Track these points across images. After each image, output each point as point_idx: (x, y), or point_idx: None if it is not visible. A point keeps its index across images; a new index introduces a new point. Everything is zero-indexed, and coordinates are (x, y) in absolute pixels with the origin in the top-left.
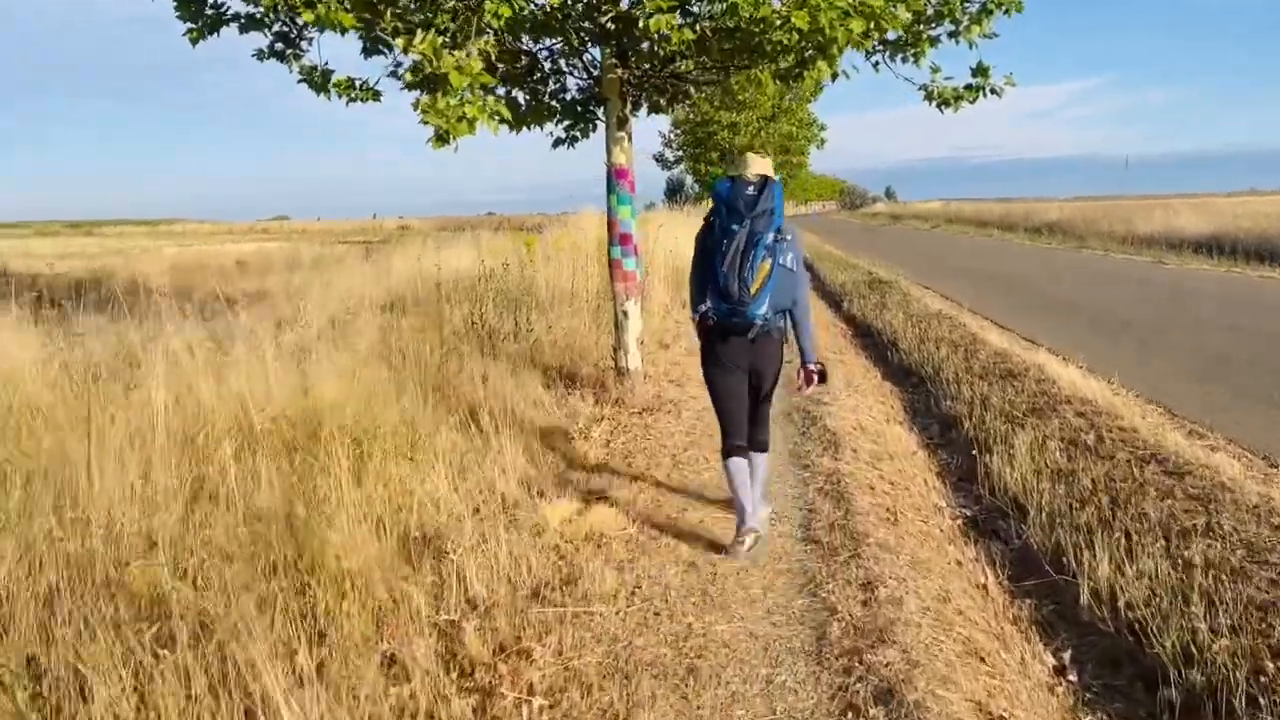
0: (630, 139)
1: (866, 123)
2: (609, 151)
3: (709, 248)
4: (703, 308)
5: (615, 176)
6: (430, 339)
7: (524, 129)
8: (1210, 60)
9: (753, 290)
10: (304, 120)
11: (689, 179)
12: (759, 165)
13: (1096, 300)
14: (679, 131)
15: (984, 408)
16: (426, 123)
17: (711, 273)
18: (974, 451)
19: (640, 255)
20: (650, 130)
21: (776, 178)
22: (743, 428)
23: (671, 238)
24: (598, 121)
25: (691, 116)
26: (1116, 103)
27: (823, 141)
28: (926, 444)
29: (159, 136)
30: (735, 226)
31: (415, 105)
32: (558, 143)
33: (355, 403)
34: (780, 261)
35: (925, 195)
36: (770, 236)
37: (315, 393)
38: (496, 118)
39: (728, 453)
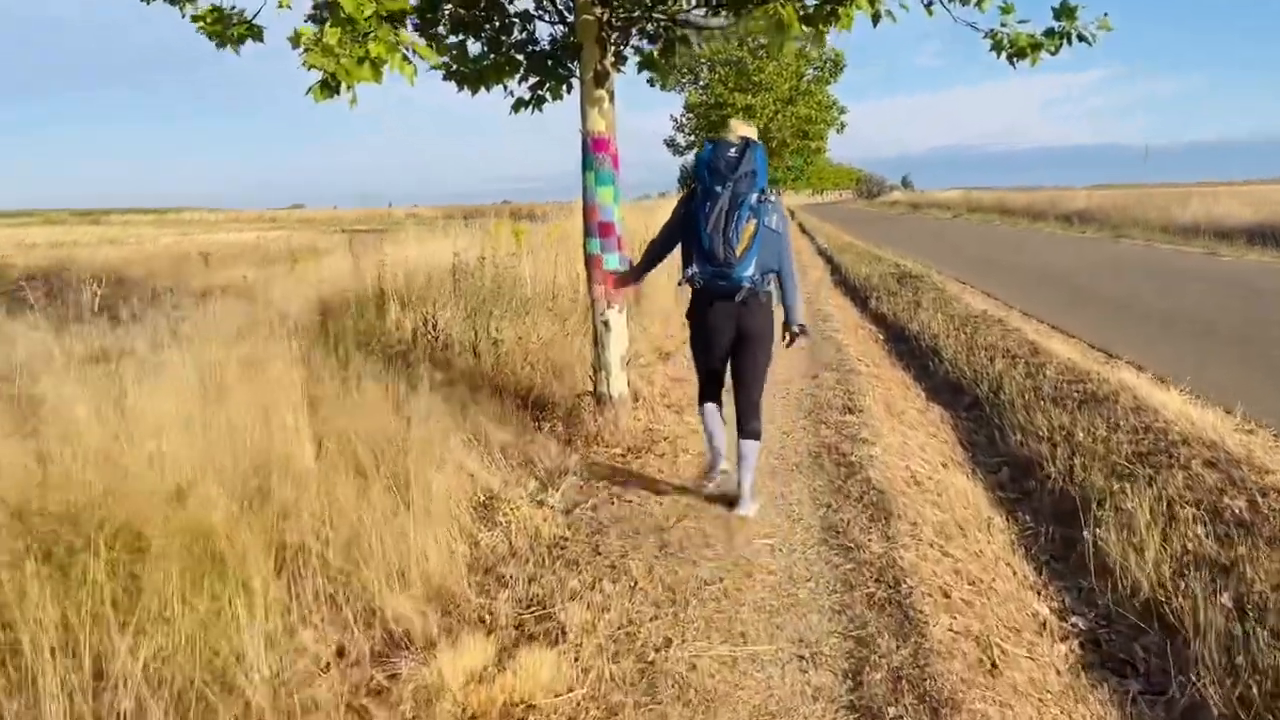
0: (612, 100)
1: (881, 111)
2: (584, 115)
3: (692, 212)
4: (689, 271)
5: (592, 148)
6: (366, 354)
7: (481, 89)
8: (1225, 48)
9: (738, 251)
10: (325, 108)
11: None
12: (741, 129)
13: (1161, 299)
14: (691, 115)
15: (1070, 447)
16: (310, 65)
17: (696, 236)
18: (1070, 518)
19: (628, 250)
20: (661, 112)
21: (759, 142)
22: (719, 383)
23: None
24: (573, 80)
25: (704, 99)
26: (1132, 92)
27: (842, 125)
28: (999, 500)
29: (179, 126)
30: (719, 188)
31: (293, 40)
32: (519, 105)
33: (183, 470)
34: (765, 223)
35: (942, 184)
36: (754, 197)
37: (117, 459)
38: (413, 58)
39: (702, 398)
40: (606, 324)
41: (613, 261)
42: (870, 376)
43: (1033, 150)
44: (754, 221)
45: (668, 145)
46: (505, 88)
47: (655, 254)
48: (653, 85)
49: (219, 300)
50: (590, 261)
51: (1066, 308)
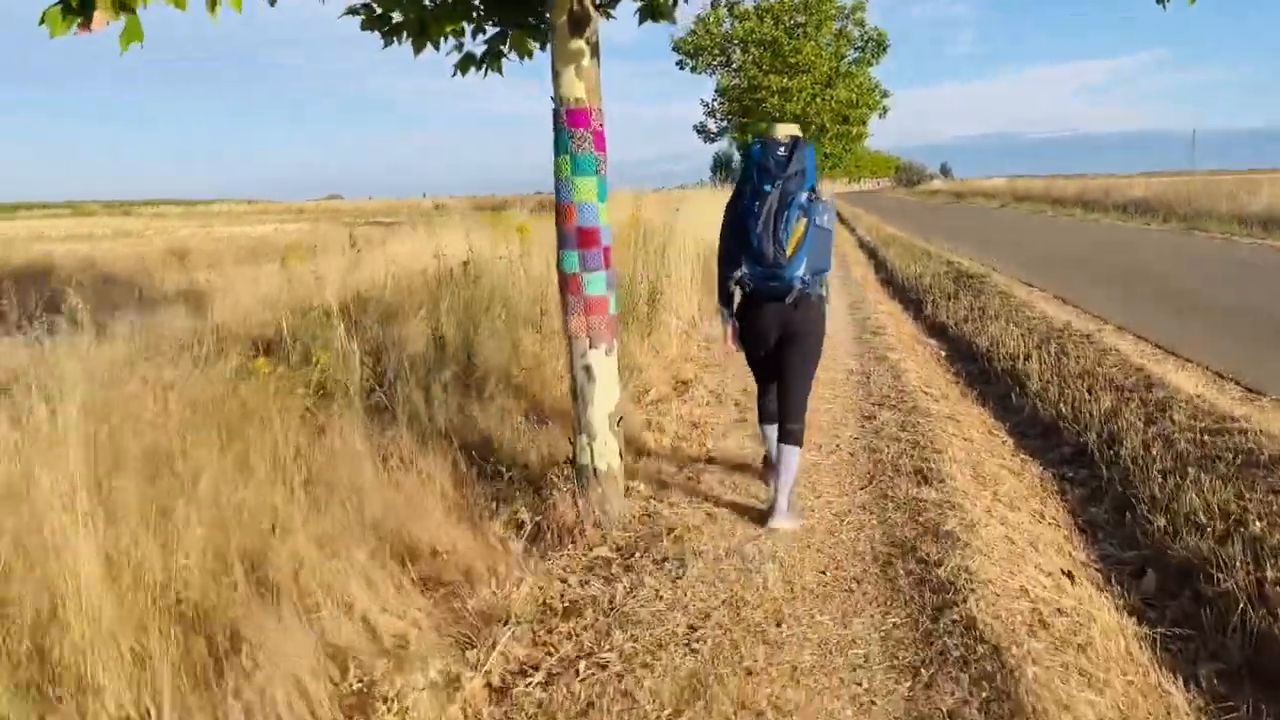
0: (595, 55)
1: (917, 100)
2: (555, 77)
3: (740, 213)
4: (738, 274)
5: (567, 122)
6: (284, 399)
7: (425, 44)
8: (1269, 34)
9: (789, 251)
10: (369, 101)
11: (736, 154)
12: (788, 128)
13: (1274, 305)
14: (723, 99)
15: (1246, 544)
16: None
17: (745, 236)
18: None
19: (618, 269)
20: (691, 97)
21: (808, 141)
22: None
23: (704, 220)
24: (545, 28)
25: (737, 82)
26: (1174, 78)
27: (885, 110)
28: (1161, 640)
29: (225, 120)
30: (768, 187)
31: None
32: (467, 63)
33: None
34: (816, 221)
35: (980, 173)
36: (804, 196)
37: None
38: None
39: (763, 418)
40: (588, 370)
41: (598, 284)
42: (942, 418)
43: (1074, 137)
44: (804, 220)
45: (698, 131)
46: (456, 41)
47: (734, 256)
48: (681, 68)
49: (168, 308)
50: (566, 283)
51: (1166, 319)
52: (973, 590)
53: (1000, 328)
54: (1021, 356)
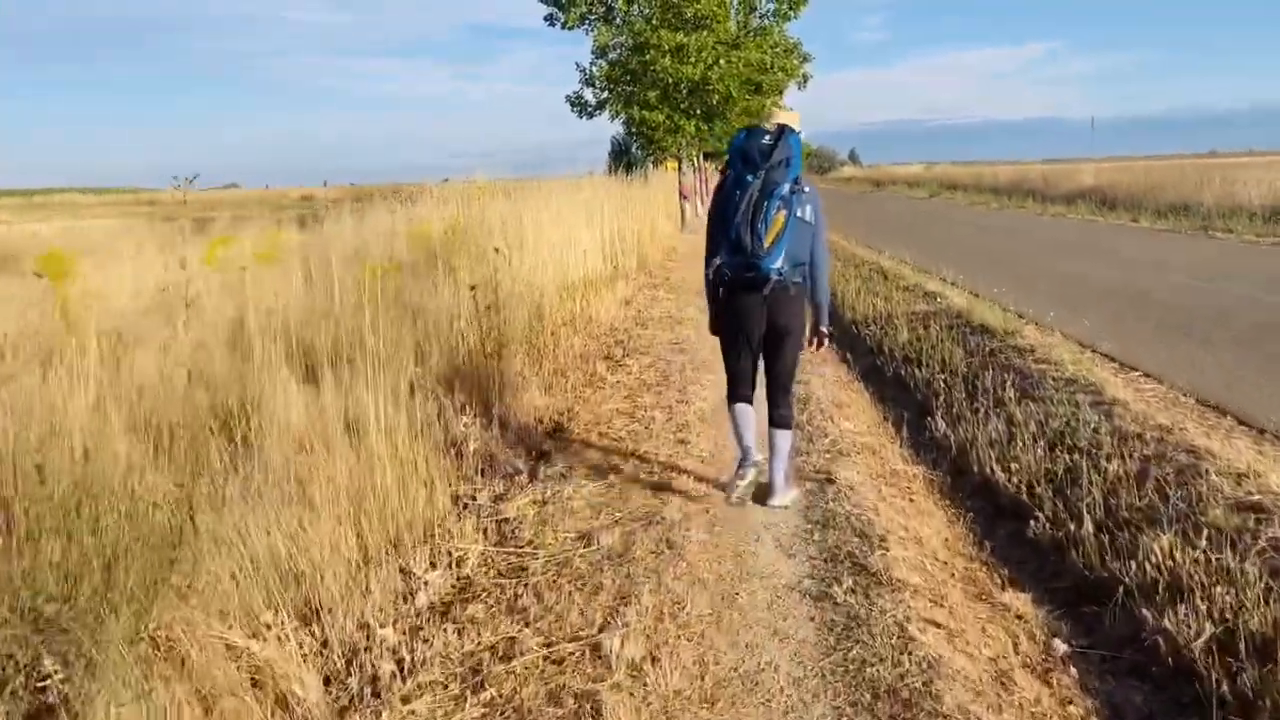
0: None
1: (819, 87)
2: None
3: (723, 201)
4: (715, 262)
5: None
6: None
7: None
8: (1164, 25)
9: (766, 243)
10: (269, 84)
11: (631, 139)
12: (781, 116)
13: None
14: (602, 62)
15: None
16: None
17: (724, 225)
18: None
19: None
20: (565, 61)
21: (799, 130)
22: (750, 381)
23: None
24: None
25: (620, 40)
26: (1071, 67)
27: (806, 78)
28: None
29: (128, 102)
30: (750, 177)
31: None
32: None
33: None
34: (797, 214)
35: (887, 159)
36: (786, 187)
37: None
38: None
39: (733, 399)
40: None
41: None
42: None
43: (975, 124)
44: (784, 212)
45: (572, 105)
46: None
47: (708, 254)
48: (551, 23)
49: None
50: None
51: None
52: None
53: (1178, 545)
54: None
